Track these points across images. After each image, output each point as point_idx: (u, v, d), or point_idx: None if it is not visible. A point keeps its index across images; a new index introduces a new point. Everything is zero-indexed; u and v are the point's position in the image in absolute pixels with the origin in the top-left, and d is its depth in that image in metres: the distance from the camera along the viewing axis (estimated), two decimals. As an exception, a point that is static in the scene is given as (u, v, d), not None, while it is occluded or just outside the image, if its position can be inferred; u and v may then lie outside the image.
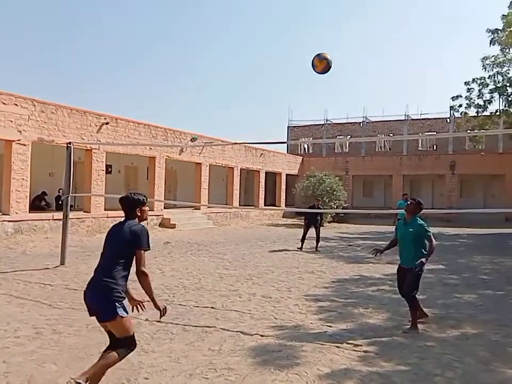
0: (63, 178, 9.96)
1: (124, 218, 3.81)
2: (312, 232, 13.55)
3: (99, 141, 16.77)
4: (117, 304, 3.50)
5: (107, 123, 17.28)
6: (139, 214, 3.83)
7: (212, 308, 6.47)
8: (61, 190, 15.29)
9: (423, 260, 5.44)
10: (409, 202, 5.82)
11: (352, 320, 5.92)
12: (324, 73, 6.62)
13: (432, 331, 5.49)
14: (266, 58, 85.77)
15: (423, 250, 5.55)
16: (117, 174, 21.79)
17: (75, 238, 14.56)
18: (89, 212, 16.73)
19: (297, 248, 13.41)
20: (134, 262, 3.67)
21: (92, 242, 14.22)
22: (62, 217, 10.15)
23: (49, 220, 15.10)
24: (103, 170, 17.30)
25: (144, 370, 4.15)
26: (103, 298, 3.52)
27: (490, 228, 21.77)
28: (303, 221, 14.81)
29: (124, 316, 3.52)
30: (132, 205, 3.79)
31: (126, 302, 3.61)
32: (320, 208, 14.56)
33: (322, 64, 6.52)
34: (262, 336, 5.17)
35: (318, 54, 6.54)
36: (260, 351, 4.69)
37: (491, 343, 5.05)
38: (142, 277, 3.62)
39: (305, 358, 4.51)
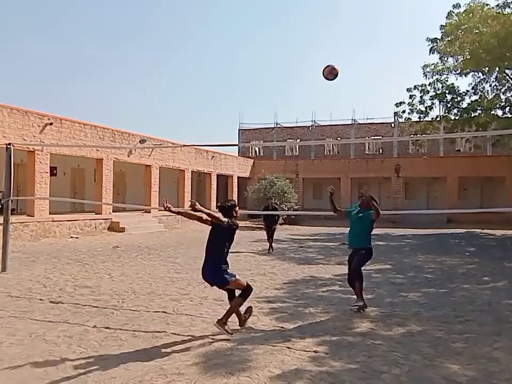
0: (2, 180, 9.52)
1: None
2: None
3: (42, 142, 16.16)
4: (225, 276, 5.22)
5: (51, 123, 16.69)
6: (234, 214, 5.47)
7: (163, 312, 6.37)
8: (0, 193, 14.61)
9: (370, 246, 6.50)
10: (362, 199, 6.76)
11: (303, 321, 5.99)
12: (329, 79, 7.69)
13: (379, 329, 5.64)
14: (216, 60, 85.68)
15: (369, 237, 6.54)
16: (63, 176, 21.07)
17: (18, 243, 13.94)
18: (33, 216, 16.06)
19: (268, 251, 13.38)
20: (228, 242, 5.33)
21: (36, 247, 13.67)
22: (2, 222, 9.69)
23: (-12, 224, 14.34)
24: (47, 172, 16.67)
25: (91, 379, 4.02)
26: (217, 274, 5.24)
27: (433, 229, 22.72)
28: (255, 223, 14.93)
29: (233, 279, 5.26)
30: (229, 210, 5.42)
31: (229, 270, 5.27)
32: (275, 207, 14.79)
33: (331, 75, 7.58)
34: (213, 339, 5.13)
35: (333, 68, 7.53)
36: (211, 354, 4.66)
37: (435, 340, 5.24)
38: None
39: (256, 360, 4.51)
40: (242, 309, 5.56)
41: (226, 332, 5.16)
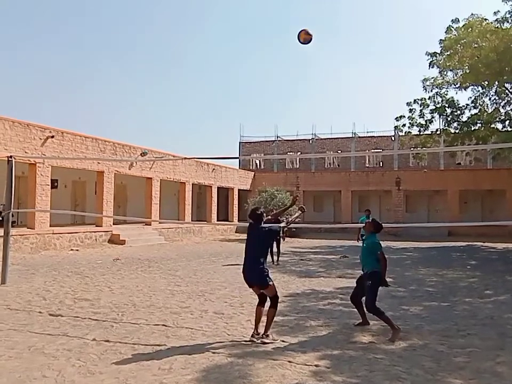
0: (3, 193, 9.53)
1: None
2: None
3: (44, 154, 16.20)
4: (267, 278, 5.64)
5: (52, 136, 16.75)
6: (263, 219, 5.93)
7: (163, 325, 6.33)
8: (1, 206, 14.61)
9: (376, 270, 6.10)
10: (369, 219, 6.75)
11: (304, 335, 5.95)
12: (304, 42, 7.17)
13: (381, 343, 5.60)
14: (216, 73, 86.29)
15: (376, 262, 6.14)
16: (64, 188, 21.09)
17: (18, 255, 13.91)
18: (33, 228, 16.04)
19: (274, 263, 13.20)
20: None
21: (36, 259, 13.63)
22: (2, 234, 9.68)
23: (-11, 236, 14.31)
24: (48, 185, 16.68)
25: (90, 393, 3.98)
26: (258, 276, 5.66)
27: (434, 242, 22.65)
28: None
29: (271, 283, 5.68)
30: (260, 217, 5.87)
31: (270, 274, 5.73)
32: (278, 219, 14.63)
33: (307, 37, 7.10)
34: (213, 353, 5.09)
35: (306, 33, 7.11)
36: (211, 368, 4.62)
37: (437, 354, 5.20)
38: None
39: (257, 374, 4.47)
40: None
41: (274, 341, 5.55)
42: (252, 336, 5.59)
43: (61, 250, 16.26)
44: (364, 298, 6.19)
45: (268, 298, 5.76)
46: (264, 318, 5.69)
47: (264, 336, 5.54)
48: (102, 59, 78.21)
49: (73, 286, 9.34)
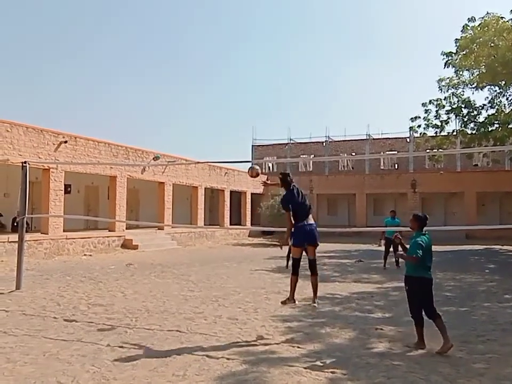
0: (18, 199, 9.59)
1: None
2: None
3: (57, 160, 16.34)
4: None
5: (65, 142, 16.88)
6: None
7: (177, 331, 6.28)
8: (16, 211, 14.77)
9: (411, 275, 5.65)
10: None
11: (319, 341, 5.85)
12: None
13: (398, 349, 5.48)
14: (228, 77, 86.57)
15: (425, 263, 5.67)
16: (77, 194, 21.26)
17: (32, 260, 14.01)
18: (47, 234, 16.17)
19: (287, 267, 13.10)
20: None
21: (49, 265, 13.72)
22: (17, 240, 9.74)
23: (4, 242, 14.47)
24: (61, 190, 16.81)
25: (103, 400, 3.93)
26: (317, 234, 6.48)
27: (452, 245, 22.30)
28: (269, 240, 14.69)
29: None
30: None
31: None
32: None
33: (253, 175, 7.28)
34: (228, 359, 5.02)
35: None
36: (225, 375, 4.55)
37: (456, 360, 5.07)
38: None
39: (272, 381, 4.39)
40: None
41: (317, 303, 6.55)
42: (288, 299, 6.43)
43: (74, 256, 16.35)
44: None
45: (309, 266, 6.44)
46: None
47: (316, 301, 6.41)
48: (114, 63, 79.02)
49: (87, 291, 9.35)
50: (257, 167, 7.24)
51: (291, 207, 6.35)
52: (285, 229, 6.50)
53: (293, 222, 6.29)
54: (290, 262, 13.27)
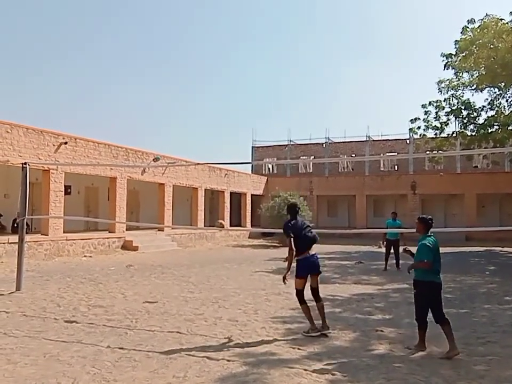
0: (18, 200, 9.59)
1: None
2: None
3: (57, 161, 16.33)
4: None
5: (66, 143, 16.87)
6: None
7: (177, 332, 6.27)
8: (16, 213, 14.78)
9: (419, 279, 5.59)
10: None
11: (320, 342, 5.85)
12: None
13: (398, 351, 5.48)
14: (228, 78, 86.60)
15: (435, 267, 5.59)
16: (77, 195, 21.25)
17: (32, 262, 14.00)
18: (47, 235, 16.14)
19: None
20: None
21: (50, 266, 13.71)
22: (17, 241, 9.74)
23: (4, 243, 14.45)
24: (61, 191, 16.80)
25: (104, 402, 3.93)
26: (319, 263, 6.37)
27: (452, 247, 22.23)
28: (269, 241, 14.70)
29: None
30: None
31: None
32: None
33: None
34: (228, 361, 5.03)
35: None
36: (226, 376, 4.55)
37: (456, 362, 5.07)
38: None
39: (272, 382, 4.39)
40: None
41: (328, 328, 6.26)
42: (312, 329, 6.13)
43: (74, 257, 16.34)
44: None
45: (312, 294, 6.34)
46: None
47: (324, 329, 6.17)
48: (114, 63, 79.06)
49: (87, 292, 9.35)
50: None
51: (292, 233, 6.16)
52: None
53: (294, 249, 6.11)
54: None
